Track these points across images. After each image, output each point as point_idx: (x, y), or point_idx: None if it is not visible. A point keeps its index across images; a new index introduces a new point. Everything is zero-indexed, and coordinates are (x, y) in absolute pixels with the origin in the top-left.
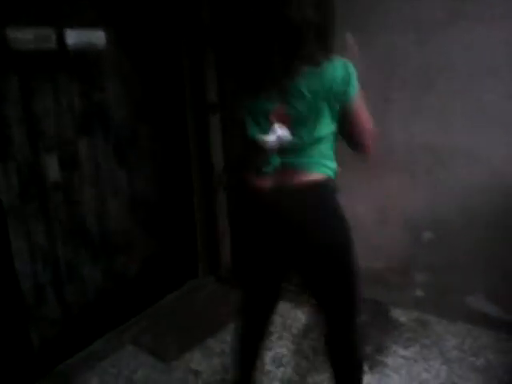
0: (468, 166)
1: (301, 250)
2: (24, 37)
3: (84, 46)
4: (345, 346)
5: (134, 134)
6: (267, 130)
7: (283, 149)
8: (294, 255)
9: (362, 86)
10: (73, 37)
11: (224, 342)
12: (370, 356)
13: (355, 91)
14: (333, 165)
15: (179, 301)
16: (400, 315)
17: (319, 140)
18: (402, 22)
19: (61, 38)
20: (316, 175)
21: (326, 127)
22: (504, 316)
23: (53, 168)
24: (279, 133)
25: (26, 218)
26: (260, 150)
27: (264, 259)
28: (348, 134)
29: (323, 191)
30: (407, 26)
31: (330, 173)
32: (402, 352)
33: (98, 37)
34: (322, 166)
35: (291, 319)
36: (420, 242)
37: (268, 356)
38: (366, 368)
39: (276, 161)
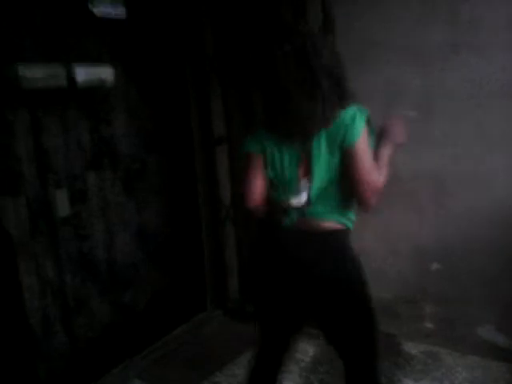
0: (473, 192)
1: (319, 298)
2: (34, 74)
3: (93, 82)
4: None
5: (142, 168)
6: (292, 185)
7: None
8: (312, 302)
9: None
10: (82, 73)
11: (232, 376)
12: None
13: (357, 138)
14: (352, 215)
15: (187, 334)
16: (410, 347)
17: (335, 189)
18: (401, 53)
19: (70, 75)
20: (334, 224)
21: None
22: None
23: (62, 203)
24: (305, 190)
25: (36, 253)
26: (280, 205)
27: (282, 303)
28: (348, 183)
29: (340, 242)
30: (407, 55)
31: (349, 224)
32: None
33: (106, 72)
34: (341, 215)
35: (299, 352)
36: (428, 272)
37: None
38: None
39: (295, 214)
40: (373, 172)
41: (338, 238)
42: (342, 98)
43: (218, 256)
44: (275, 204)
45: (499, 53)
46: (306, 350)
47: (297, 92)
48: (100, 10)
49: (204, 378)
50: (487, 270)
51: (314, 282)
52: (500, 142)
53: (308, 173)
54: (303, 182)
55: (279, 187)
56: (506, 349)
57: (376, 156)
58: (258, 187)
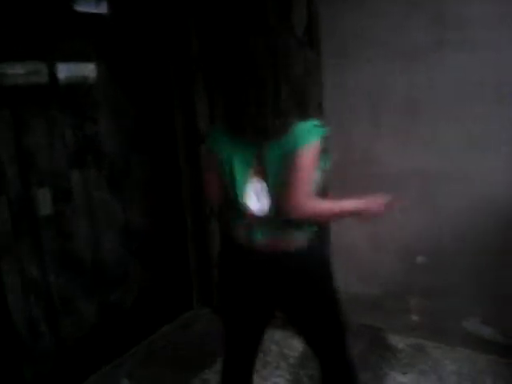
0: (459, 189)
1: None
2: (15, 71)
3: (75, 79)
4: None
5: (126, 166)
6: (242, 187)
7: (263, 221)
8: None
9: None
10: (64, 70)
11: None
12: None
13: (303, 146)
14: (311, 227)
15: (174, 333)
16: (397, 341)
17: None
18: (387, 50)
19: (52, 72)
20: (298, 242)
21: None
22: (502, 340)
23: (45, 202)
24: (258, 188)
25: (19, 253)
26: (241, 214)
27: (248, 308)
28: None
29: (308, 256)
30: (393, 53)
31: (311, 235)
32: (400, 379)
33: (89, 69)
34: (302, 229)
35: (288, 348)
36: (414, 266)
37: None
38: None
39: (259, 235)
40: (305, 187)
41: (304, 253)
42: (302, 109)
43: (204, 253)
44: (234, 209)
45: (486, 50)
46: (295, 346)
47: (254, 94)
48: (81, 6)
49: (193, 376)
50: (473, 263)
51: (283, 296)
52: (486, 141)
53: (263, 178)
54: (258, 185)
55: (232, 187)
56: (491, 341)
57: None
58: (214, 186)
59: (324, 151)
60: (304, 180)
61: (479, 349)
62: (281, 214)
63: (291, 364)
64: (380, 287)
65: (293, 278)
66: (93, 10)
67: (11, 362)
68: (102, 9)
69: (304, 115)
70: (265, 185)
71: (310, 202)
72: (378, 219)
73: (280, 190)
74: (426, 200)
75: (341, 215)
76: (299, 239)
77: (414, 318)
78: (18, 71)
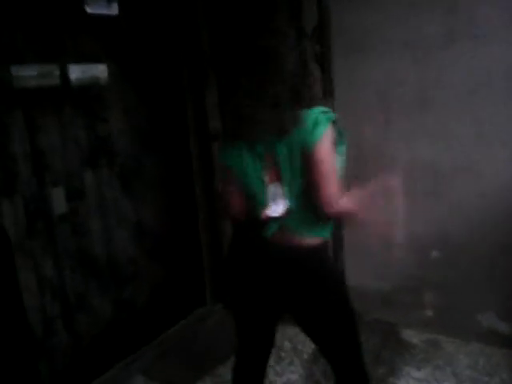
0: (470, 183)
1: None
2: (27, 74)
3: (87, 80)
4: None
5: (138, 165)
6: (262, 192)
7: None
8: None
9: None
10: (76, 71)
11: None
12: (382, 379)
13: (317, 141)
14: (328, 225)
15: (188, 329)
16: (411, 336)
17: (307, 197)
18: (398, 44)
19: (64, 74)
20: (313, 239)
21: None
22: None
23: (59, 201)
24: (280, 197)
25: (34, 252)
26: (257, 214)
27: (260, 303)
28: (309, 191)
29: (321, 256)
30: (404, 47)
31: (326, 234)
32: (414, 374)
33: (100, 70)
34: (318, 227)
35: (301, 344)
36: (428, 261)
37: (279, 382)
38: None
39: (274, 227)
40: (331, 178)
41: (318, 253)
42: (301, 102)
43: (216, 250)
44: (254, 216)
45: (498, 45)
46: (308, 342)
47: (255, 95)
48: (92, 8)
49: (206, 373)
50: (487, 257)
51: (294, 297)
52: (498, 135)
53: (278, 179)
54: (275, 189)
55: (253, 197)
56: (507, 335)
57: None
58: (234, 200)
59: (338, 136)
60: (330, 173)
61: (494, 343)
62: (301, 210)
63: (305, 359)
64: (394, 282)
65: (306, 275)
66: (104, 11)
67: (27, 359)
68: (113, 10)
69: (306, 106)
70: (281, 187)
71: (340, 195)
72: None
73: (306, 189)
74: (439, 194)
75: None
76: (315, 236)
77: (428, 312)
78: (30, 73)
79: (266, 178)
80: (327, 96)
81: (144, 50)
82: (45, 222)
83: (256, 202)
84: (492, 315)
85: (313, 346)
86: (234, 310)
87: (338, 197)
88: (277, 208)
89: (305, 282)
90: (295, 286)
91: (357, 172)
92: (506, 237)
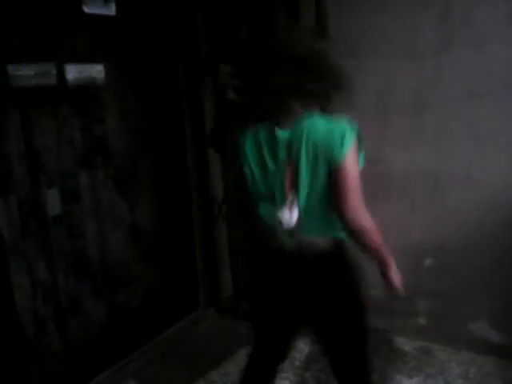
0: (467, 190)
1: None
2: (24, 73)
3: (84, 80)
4: None
5: (134, 166)
6: (280, 197)
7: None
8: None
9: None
10: (73, 71)
11: (227, 374)
12: None
13: (346, 155)
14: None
15: (181, 333)
16: (403, 344)
17: (323, 201)
18: (396, 47)
19: (61, 73)
20: (331, 241)
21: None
22: (508, 343)
23: (53, 202)
24: (293, 204)
25: (27, 253)
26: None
27: (281, 311)
28: (332, 202)
29: (339, 258)
30: (401, 52)
31: (343, 235)
32: (406, 382)
33: (97, 70)
34: (334, 229)
35: (293, 350)
36: (421, 268)
37: None
38: None
39: (290, 238)
40: (357, 191)
41: (339, 255)
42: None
43: (211, 254)
44: (265, 225)
45: (496, 49)
46: (300, 347)
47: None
48: (90, 8)
49: (199, 377)
50: (480, 266)
51: (316, 303)
52: (496, 141)
53: (293, 184)
54: (292, 196)
55: (264, 201)
56: (498, 345)
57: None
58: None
59: (359, 146)
60: (356, 186)
61: (486, 352)
62: (316, 218)
63: (296, 366)
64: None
65: (324, 282)
66: (101, 11)
67: (18, 361)
68: (111, 10)
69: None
70: (295, 197)
71: (364, 210)
72: (386, 219)
73: (323, 196)
74: (434, 200)
75: (377, 243)
76: (331, 242)
77: (421, 320)
78: (27, 72)
79: (286, 181)
80: None
81: (141, 50)
82: (39, 222)
83: (266, 206)
84: (484, 324)
85: (305, 352)
86: (254, 316)
87: (363, 209)
88: (292, 217)
89: (324, 287)
90: (315, 291)
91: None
92: (500, 245)
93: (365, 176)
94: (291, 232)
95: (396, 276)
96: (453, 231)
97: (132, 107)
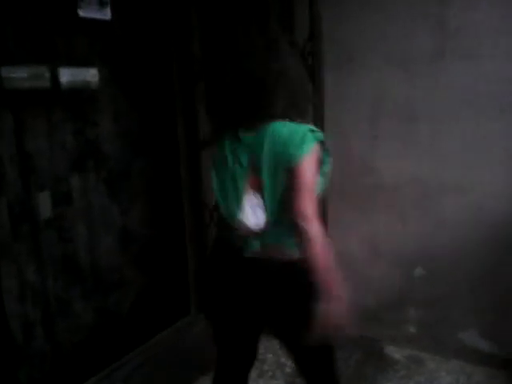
0: (457, 200)
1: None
2: (18, 75)
3: (78, 84)
4: None
5: (126, 170)
6: (239, 197)
7: (258, 232)
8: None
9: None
10: (67, 74)
11: None
12: None
13: (303, 157)
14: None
15: (171, 338)
16: (393, 352)
17: (284, 210)
18: (388, 58)
19: (55, 76)
20: (292, 252)
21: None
22: (498, 352)
23: (45, 205)
24: (255, 202)
25: (17, 256)
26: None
27: (240, 316)
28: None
29: (302, 269)
30: (394, 61)
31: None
32: None
33: (91, 74)
34: (295, 242)
35: (284, 357)
36: (412, 277)
37: None
38: None
39: (256, 243)
40: (309, 194)
41: (299, 266)
42: (297, 112)
43: (202, 259)
44: (227, 227)
45: (488, 60)
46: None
47: (251, 93)
48: (85, 12)
49: (189, 382)
50: (470, 275)
51: (274, 309)
52: (486, 151)
53: (257, 187)
54: (254, 198)
55: (226, 202)
56: (488, 354)
57: None
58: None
59: (324, 155)
60: (309, 188)
61: (476, 361)
62: (281, 223)
63: (287, 373)
64: (377, 298)
65: (284, 287)
66: (96, 15)
67: (6, 365)
68: (106, 14)
69: (299, 118)
70: (260, 198)
71: (315, 211)
72: (377, 229)
73: (283, 199)
74: (424, 210)
75: (321, 260)
76: (293, 249)
77: (411, 329)
78: (20, 75)
79: (246, 184)
80: (317, 108)
81: (136, 55)
82: (30, 226)
83: (230, 209)
84: (474, 333)
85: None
86: (213, 320)
87: (314, 212)
88: (256, 220)
89: (285, 295)
90: (276, 299)
91: (344, 185)
92: (490, 255)
93: (355, 186)
94: (259, 241)
95: (337, 310)
96: (443, 241)
97: (125, 111)
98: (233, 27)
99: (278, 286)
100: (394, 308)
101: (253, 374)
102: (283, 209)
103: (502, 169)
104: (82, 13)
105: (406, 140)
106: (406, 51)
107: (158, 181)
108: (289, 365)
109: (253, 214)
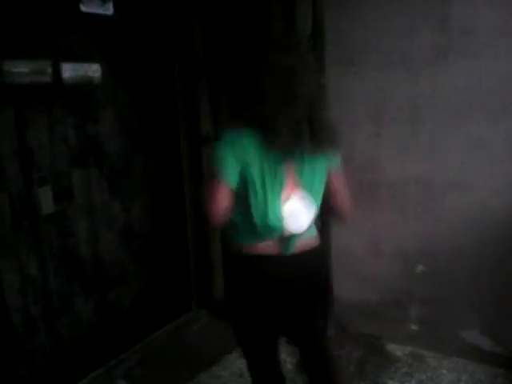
0: (459, 198)
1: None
2: (19, 70)
3: (79, 79)
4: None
5: (128, 166)
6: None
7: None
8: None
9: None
10: (68, 70)
11: (217, 377)
12: None
13: (339, 158)
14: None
15: (172, 334)
16: (395, 350)
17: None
18: (391, 57)
19: (56, 71)
20: (316, 240)
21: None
22: (500, 350)
23: (46, 200)
24: (297, 206)
25: (18, 250)
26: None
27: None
28: (330, 202)
29: (322, 254)
30: (396, 61)
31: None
32: None
33: (93, 69)
34: (315, 229)
35: (286, 354)
36: (413, 275)
37: None
38: None
39: (292, 244)
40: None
41: (322, 252)
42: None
43: (203, 256)
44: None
45: (490, 59)
46: (293, 352)
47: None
48: (87, 7)
49: (189, 379)
50: (472, 273)
51: (304, 295)
52: (488, 150)
53: (298, 192)
54: (297, 202)
55: (258, 207)
56: (490, 352)
57: None
58: (222, 202)
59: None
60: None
61: (478, 359)
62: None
63: (288, 370)
64: (379, 295)
65: (317, 271)
66: (99, 10)
67: (7, 359)
68: (108, 10)
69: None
70: (308, 201)
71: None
72: (379, 227)
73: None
74: (427, 208)
75: None
76: (315, 237)
77: (413, 326)
78: (22, 69)
79: (285, 189)
80: None
81: (137, 51)
82: (31, 220)
83: (262, 214)
84: (475, 331)
85: (298, 356)
86: (245, 328)
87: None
88: (300, 223)
89: (319, 278)
90: (313, 284)
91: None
92: (492, 253)
93: (357, 184)
94: (294, 240)
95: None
96: (445, 238)
97: (127, 107)
98: (235, 24)
99: (314, 272)
100: (396, 305)
101: None
102: (321, 207)
103: (504, 167)
104: (84, 8)
105: (408, 138)
106: (408, 50)
107: (160, 177)
108: (289, 361)
109: (295, 218)
